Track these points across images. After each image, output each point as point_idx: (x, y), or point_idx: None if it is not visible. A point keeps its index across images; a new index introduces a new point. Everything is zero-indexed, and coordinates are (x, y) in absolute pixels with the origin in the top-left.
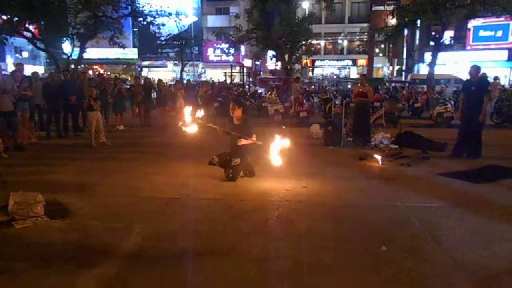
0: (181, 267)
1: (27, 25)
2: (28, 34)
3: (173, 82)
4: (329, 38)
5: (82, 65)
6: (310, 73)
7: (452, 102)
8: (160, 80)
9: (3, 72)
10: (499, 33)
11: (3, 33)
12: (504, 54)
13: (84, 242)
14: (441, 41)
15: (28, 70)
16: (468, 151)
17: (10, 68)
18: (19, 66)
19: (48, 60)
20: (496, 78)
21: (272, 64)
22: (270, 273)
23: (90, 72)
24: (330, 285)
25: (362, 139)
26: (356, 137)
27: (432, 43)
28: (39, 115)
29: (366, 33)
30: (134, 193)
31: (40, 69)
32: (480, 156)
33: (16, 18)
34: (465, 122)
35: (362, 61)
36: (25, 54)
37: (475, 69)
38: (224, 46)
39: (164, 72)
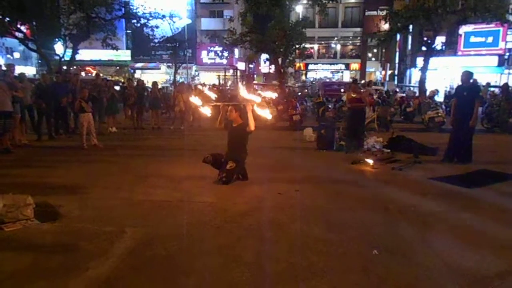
0: (172, 270)
1: (18, 26)
2: (19, 35)
3: (167, 85)
4: (323, 42)
5: (75, 67)
6: (303, 77)
7: (444, 107)
8: (154, 83)
9: None
10: (490, 39)
11: None
12: (495, 60)
13: (75, 246)
14: (433, 46)
15: (19, 71)
16: (459, 156)
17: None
18: (10, 66)
19: (40, 61)
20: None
21: (265, 67)
22: (262, 277)
23: (83, 73)
24: None
25: (355, 143)
26: (349, 141)
27: (424, 48)
28: (30, 117)
29: (359, 38)
30: (125, 196)
31: (32, 70)
32: (471, 160)
33: (7, 18)
34: (457, 127)
35: (355, 65)
36: (17, 55)
37: (467, 75)
38: (218, 49)
39: (158, 74)
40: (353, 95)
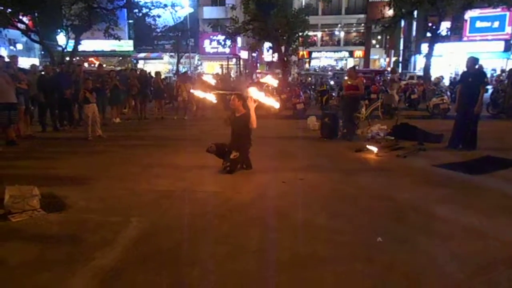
0: (177, 259)
1: (21, 17)
2: (22, 26)
3: (170, 74)
4: (326, 29)
5: (77, 58)
6: (306, 65)
7: (449, 93)
8: (157, 73)
9: None
10: (496, 24)
11: None
12: (501, 45)
13: (81, 236)
14: (438, 32)
15: (22, 62)
16: (464, 143)
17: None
18: (13, 58)
19: (42, 52)
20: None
21: (268, 55)
22: (267, 265)
23: (86, 64)
24: (327, 277)
25: (350, 132)
26: (349, 128)
27: (429, 34)
28: (39, 108)
29: (363, 25)
30: (130, 186)
31: (35, 62)
32: (476, 147)
33: (9, 10)
34: (461, 113)
35: (359, 52)
36: (20, 46)
37: (472, 61)
38: (221, 38)
39: (160, 64)
40: (349, 82)
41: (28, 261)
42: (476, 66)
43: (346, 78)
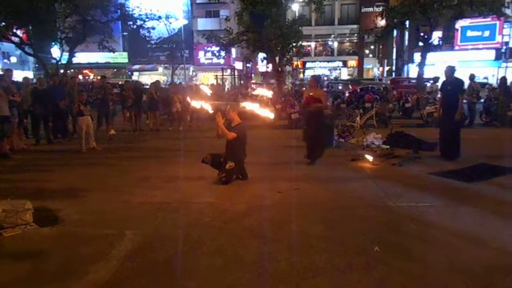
0: (173, 272)
1: (15, 30)
2: (16, 39)
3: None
4: (319, 40)
5: (72, 70)
6: (301, 75)
7: None
8: (157, 82)
9: None
10: (487, 33)
11: None
12: (492, 53)
13: (75, 250)
14: (430, 41)
15: (16, 75)
16: (449, 150)
17: None
18: (7, 71)
19: (37, 65)
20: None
21: (263, 66)
22: (263, 277)
23: (80, 76)
24: (324, 287)
25: (314, 156)
26: (311, 153)
27: (421, 43)
28: (33, 121)
29: (356, 35)
30: (125, 199)
31: (29, 74)
32: (459, 155)
33: (3, 23)
34: (444, 121)
35: (353, 62)
36: (14, 59)
37: (450, 70)
38: (215, 49)
39: (155, 76)
40: (311, 94)
41: (21, 276)
42: (468, 75)
43: (307, 87)
